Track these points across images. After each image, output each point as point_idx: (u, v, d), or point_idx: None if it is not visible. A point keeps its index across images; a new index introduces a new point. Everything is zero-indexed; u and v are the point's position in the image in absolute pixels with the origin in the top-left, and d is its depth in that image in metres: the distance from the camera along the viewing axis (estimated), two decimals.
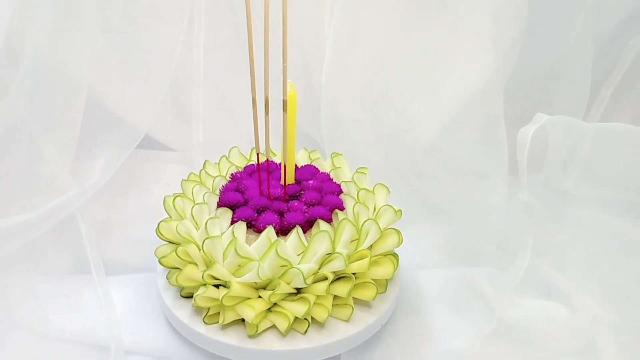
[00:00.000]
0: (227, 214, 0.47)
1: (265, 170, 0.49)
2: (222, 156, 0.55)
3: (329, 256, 0.44)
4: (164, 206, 0.50)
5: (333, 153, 0.55)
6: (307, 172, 0.50)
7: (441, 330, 0.49)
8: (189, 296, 0.46)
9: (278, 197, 0.48)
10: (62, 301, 0.49)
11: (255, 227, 0.46)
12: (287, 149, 0.47)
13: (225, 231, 0.45)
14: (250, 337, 0.44)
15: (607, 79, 0.63)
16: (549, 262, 0.53)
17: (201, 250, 0.45)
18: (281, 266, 0.43)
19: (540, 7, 0.59)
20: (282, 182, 0.49)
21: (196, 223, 0.47)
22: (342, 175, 0.52)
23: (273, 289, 0.43)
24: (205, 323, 0.45)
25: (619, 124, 0.53)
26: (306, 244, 0.44)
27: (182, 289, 0.47)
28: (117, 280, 0.52)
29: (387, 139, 0.62)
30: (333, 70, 0.61)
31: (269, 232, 0.44)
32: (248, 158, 0.56)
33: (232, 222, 0.46)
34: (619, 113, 0.62)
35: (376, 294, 0.46)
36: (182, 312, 0.46)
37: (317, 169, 0.52)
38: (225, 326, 0.44)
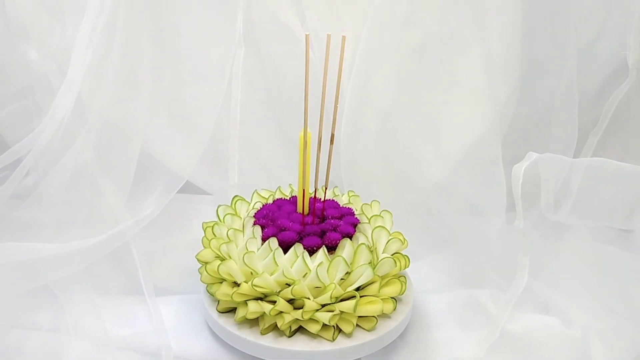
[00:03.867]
0: (300, 248, 0.51)
1: (320, 201, 0.55)
2: (226, 215, 0.58)
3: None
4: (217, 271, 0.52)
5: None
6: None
7: (450, 342, 0.54)
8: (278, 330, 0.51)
9: (316, 223, 0.55)
10: (118, 315, 0.56)
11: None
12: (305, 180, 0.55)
13: (318, 262, 0.50)
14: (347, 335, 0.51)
15: (595, 127, 0.71)
16: (545, 282, 0.59)
17: (301, 284, 0.49)
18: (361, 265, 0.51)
19: (529, 66, 0.68)
20: (299, 210, 0.56)
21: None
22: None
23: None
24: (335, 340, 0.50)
25: (604, 160, 0.61)
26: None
27: (269, 326, 0.51)
28: (164, 300, 0.58)
29: (399, 181, 0.69)
30: (351, 121, 0.69)
31: (347, 242, 0.51)
32: (232, 206, 0.59)
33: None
34: (605, 156, 0.69)
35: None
36: (299, 344, 0.50)
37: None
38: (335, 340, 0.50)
